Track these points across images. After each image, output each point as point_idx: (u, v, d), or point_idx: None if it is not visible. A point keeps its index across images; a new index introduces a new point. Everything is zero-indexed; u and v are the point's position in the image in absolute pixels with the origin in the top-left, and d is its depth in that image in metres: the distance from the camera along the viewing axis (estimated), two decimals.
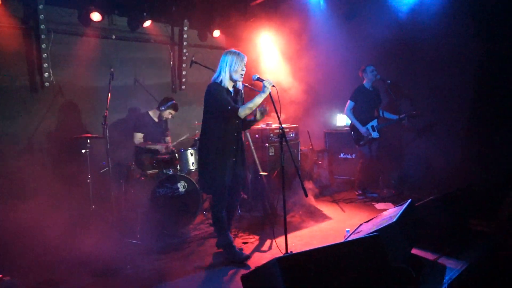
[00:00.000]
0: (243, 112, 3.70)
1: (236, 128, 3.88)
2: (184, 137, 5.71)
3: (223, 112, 3.71)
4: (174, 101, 5.49)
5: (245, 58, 3.82)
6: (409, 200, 3.58)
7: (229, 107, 3.68)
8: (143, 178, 5.06)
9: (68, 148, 5.12)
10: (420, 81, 6.49)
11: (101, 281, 3.58)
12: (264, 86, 3.61)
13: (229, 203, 4.01)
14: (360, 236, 2.90)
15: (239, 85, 3.92)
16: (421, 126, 6.44)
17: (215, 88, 3.73)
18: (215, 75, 3.82)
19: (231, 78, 3.78)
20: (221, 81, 3.77)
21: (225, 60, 3.77)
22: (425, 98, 6.40)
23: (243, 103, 3.91)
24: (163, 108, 5.43)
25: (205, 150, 3.85)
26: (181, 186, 4.97)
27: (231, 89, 3.85)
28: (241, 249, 4.06)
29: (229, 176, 3.83)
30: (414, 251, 3.42)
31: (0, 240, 3.94)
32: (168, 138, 5.68)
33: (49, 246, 4.21)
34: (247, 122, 4.03)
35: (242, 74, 3.79)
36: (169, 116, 5.53)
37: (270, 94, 3.64)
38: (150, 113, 5.53)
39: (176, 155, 5.12)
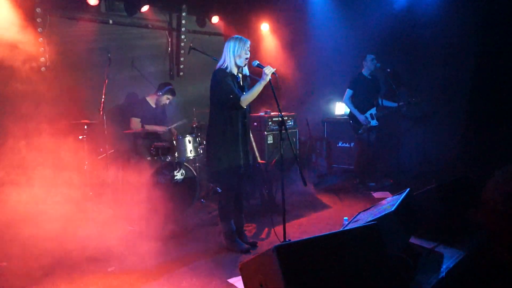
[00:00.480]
0: (245, 101, 3.68)
1: (243, 115, 3.83)
2: (180, 122, 5.66)
3: (226, 100, 3.67)
4: (171, 86, 5.47)
5: (248, 43, 3.78)
6: (408, 189, 3.57)
7: (231, 96, 3.65)
8: (140, 164, 5.04)
9: (65, 134, 5.07)
10: (419, 70, 6.47)
11: (98, 267, 3.58)
12: (264, 73, 3.58)
13: (237, 194, 3.99)
14: (358, 225, 2.89)
15: (245, 70, 3.87)
16: (420, 115, 6.42)
17: (220, 75, 3.70)
18: (220, 62, 3.79)
19: (236, 64, 3.75)
20: (226, 67, 3.73)
21: (228, 46, 3.74)
22: (424, 87, 6.39)
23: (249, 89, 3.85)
24: (160, 93, 5.40)
25: (212, 138, 3.83)
26: (179, 173, 4.95)
27: (238, 74, 3.82)
28: (246, 238, 4.05)
29: (238, 166, 3.80)
30: (412, 240, 3.43)
31: None
32: (165, 127, 5.64)
33: (45, 232, 4.19)
34: None
35: (246, 59, 3.76)
36: (167, 101, 5.50)
37: (270, 81, 3.60)
38: (148, 98, 5.50)
39: (174, 142, 5.09)
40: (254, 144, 5.50)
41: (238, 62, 3.74)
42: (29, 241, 4.02)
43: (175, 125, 5.58)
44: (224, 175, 3.78)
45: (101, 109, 4.66)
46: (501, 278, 2.95)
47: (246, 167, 3.90)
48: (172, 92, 5.46)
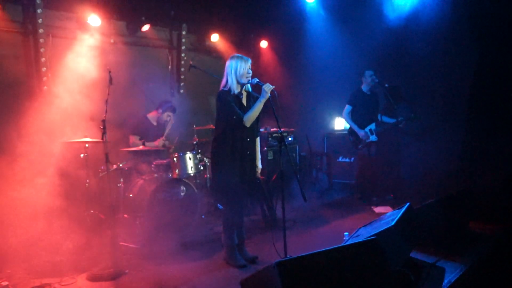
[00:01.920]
0: (248, 120, 3.73)
1: (249, 134, 3.86)
2: (178, 140, 5.70)
3: (230, 121, 3.73)
4: (172, 103, 5.53)
5: (249, 61, 3.83)
6: (407, 204, 3.58)
7: (234, 117, 3.70)
8: (141, 182, 5.05)
9: (66, 152, 5.10)
10: (417, 85, 6.52)
11: (99, 286, 3.57)
12: (264, 91, 3.63)
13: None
14: (358, 240, 2.90)
15: (248, 87, 3.91)
16: (419, 130, 6.45)
17: (223, 97, 3.74)
18: (223, 83, 3.83)
19: (238, 83, 3.79)
20: (229, 89, 3.77)
21: (230, 66, 3.77)
22: (423, 102, 6.42)
23: None
24: (161, 110, 5.46)
25: (217, 155, 3.86)
26: (180, 190, 4.96)
27: (242, 92, 3.86)
28: (246, 254, 4.04)
29: (242, 182, 3.81)
30: (413, 254, 3.42)
31: None
32: (167, 142, 5.68)
33: (46, 250, 4.19)
34: None
35: (249, 77, 3.80)
36: (168, 119, 5.55)
37: (269, 98, 3.65)
38: (148, 116, 5.55)
39: (175, 159, 5.11)
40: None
41: (241, 81, 3.79)
42: (26, 258, 4.03)
43: (167, 131, 5.60)
44: (229, 190, 3.80)
45: (102, 127, 4.69)
46: None
47: (251, 183, 3.92)
48: (172, 109, 5.52)
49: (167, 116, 5.52)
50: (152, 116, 5.56)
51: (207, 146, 5.80)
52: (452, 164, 6.03)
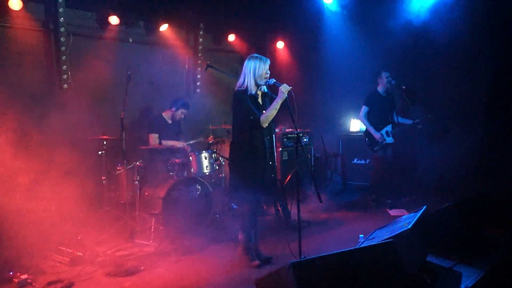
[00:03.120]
0: (265, 121, 3.73)
1: (266, 133, 3.86)
2: (197, 140, 5.75)
3: (247, 121, 3.74)
4: (184, 100, 5.57)
5: (268, 62, 3.83)
6: (424, 207, 3.54)
7: (251, 117, 3.71)
8: (157, 180, 5.11)
9: (85, 150, 5.20)
10: (434, 87, 6.45)
11: (115, 282, 3.62)
12: (281, 91, 3.63)
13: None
14: (374, 243, 2.88)
15: (264, 88, 3.91)
16: (436, 132, 6.38)
17: (240, 97, 3.75)
18: (240, 82, 3.83)
19: (256, 83, 3.79)
20: (246, 88, 3.78)
21: (248, 66, 3.77)
22: (440, 103, 6.35)
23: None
24: (174, 108, 5.52)
25: (236, 155, 3.87)
26: (195, 189, 5.00)
27: (258, 92, 3.87)
28: (261, 254, 4.05)
29: (261, 182, 3.81)
30: (429, 258, 3.39)
31: (16, 240, 4.00)
32: (183, 142, 5.73)
33: (64, 246, 4.27)
34: None
35: (267, 78, 3.79)
36: (182, 116, 5.60)
37: (286, 98, 3.65)
38: (163, 114, 5.61)
39: (191, 158, 5.16)
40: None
41: (259, 82, 3.79)
42: (44, 254, 4.11)
43: (192, 142, 5.67)
44: (249, 190, 3.80)
45: (120, 125, 4.77)
46: None
47: (270, 183, 3.93)
48: (186, 106, 5.56)
49: (181, 113, 5.58)
50: (166, 114, 5.62)
51: (222, 146, 5.83)
52: (469, 167, 5.95)
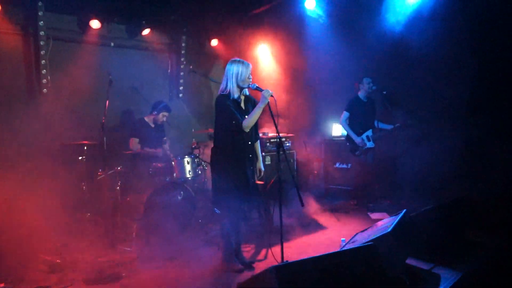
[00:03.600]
0: (247, 126, 3.73)
1: (249, 138, 3.87)
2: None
3: (230, 126, 3.74)
4: (165, 103, 5.56)
5: (250, 66, 3.83)
6: (404, 210, 3.60)
7: (234, 122, 3.71)
8: (139, 185, 5.06)
9: (65, 155, 5.12)
10: (415, 92, 6.56)
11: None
12: (263, 96, 3.65)
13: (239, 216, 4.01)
14: (355, 246, 2.92)
15: (246, 91, 3.91)
16: (416, 136, 6.49)
17: (222, 102, 3.75)
18: (222, 86, 3.82)
19: (239, 88, 3.80)
20: (229, 93, 3.78)
21: (230, 70, 3.77)
22: (420, 108, 6.46)
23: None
24: (155, 112, 5.49)
25: (217, 160, 3.86)
26: (178, 194, 4.97)
27: (241, 97, 3.87)
28: (243, 259, 4.05)
29: (242, 187, 3.81)
30: (409, 260, 3.44)
31: None
32: (166, 145, 5.70)
33: (43, 254, 4.19)
34: None
35: (249, 82, 3.79)
36: (164, 119, 5.58)
37: (268, 103, 3.67)
38: (146, 119, 5.57)
39: (173, 163, 5.13)
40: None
41: (241, 86, 3.79)
42: (23, 261, 4.02)
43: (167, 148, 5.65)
44: (230, 195, 3.79)
45: (101, 130, 4.72)
46: None
47: (251, 188, 3.93)
48: (167, 109, 5.54)
49: (163, 116, 5.55)
50: (149, 118, 5.59)
51: (205, 150, 5.81)
52: (450, 171, 6.06)
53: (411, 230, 3.42)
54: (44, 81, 5.32)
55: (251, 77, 3.82)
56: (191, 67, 5.47)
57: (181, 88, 6.97)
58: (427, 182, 6.38)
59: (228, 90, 3.78)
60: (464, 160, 5.98)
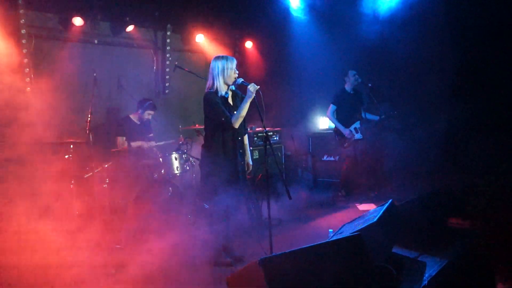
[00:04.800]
0: (236, 121, 3.75)
1: (238, 133, 3.89)
2: (168, 141, 5.72)
3: (219, 123, 3.76)
4: (151, 101, 5.54)
5: (235, 61, 3.84)
6: (390, 200, 3.65)
7: (223, 118, 3.72)
8: (127, 182, 5.04)
9: (51, 154, 5.07)
10: (399, 84, 6.65)
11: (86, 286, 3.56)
12: (249, 91, 3.66)
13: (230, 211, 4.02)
14: (342, 236, 2.96)
15: (233, 87, 3.92)
16: (401, 127, 6.58)
17: (210, 99, 3.75)
18: (209, 84, 3.83)
19: (225, 83, 3.81)
20: (216, 90, 3.78)
21: (216, 67, 3.77)
22: (405, 100, 6.55)
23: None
24: (141, 110, 5.47)
25: (207, 157, 3.87)
26: (166, 190, 4.97)
27: (227, 93, 3.88)
28: (233, 253, 4.07)
29: (231, 182, 3.81)
30: (396, 250, 3.50)
31: None
32: (153, 142, 5.68)
33: (32, 251, 4.16)
34: None
35: (235, 77, 3.82)
36: (149, 117, 5.57)
37: (254, 98, 3.69)
38: (131, 116, 5.55)
39: (161, 159, 5.12)
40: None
41: (228, 82, 3.81)
42: (13, 260, 3.99)
43: (162, 142, 5.62)
44: (220, 190, 3.80)
45: (87, 128, 4.69)
46: (480, 285, 3.03)
47: (242, 182, 3.95)
48: (152, 107, 5.52)
49: (148, 114, 5.53)
50: (134, 116, 5.56)
51: (192, 146, 5.81)
52: (435, 161, 6.16)
53: (396, 220, 3.47)
54: (27, 79, 5.25)
55: (237, 71, 3.84)
56: (176, 62, 5.44)
57: (167, 84, 6.94)
58: (413, 173, 6.48)
59: (215, 87, 3.79)
60: (448, 150, 6.09)
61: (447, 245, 3.60)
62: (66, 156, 4.91)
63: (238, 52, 7.70)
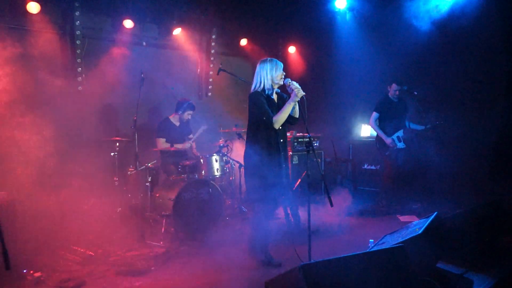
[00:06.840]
0: (277, 122, 3.77)
1: (280, 135, 3.90)
2: (200, 130, 5.76)
3: (261, 121, 3.78)
4: (190, 101, 5.61)
5: (282, 65, 3.91)
6: (435, 213, 3.52)
7: (265, 117, 3.74)
8: (168, 182, 5.16)
9: (98, 151, 5.27)
10: (447, 93, 6.40)
11: (126, 281, 3.66)
12: (294, 94, 3.68)
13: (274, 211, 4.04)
14: (384, 247, 2.88)
15: (278, 90, 3.96)
16: (448, 137, 6.33)
17: (256, 97, 3.79)
18: (255, 84, 3.87)
19: (272, 85, 3.86)
20: (263, 90, 3.83)
21: (264, 69, 3.84)
22: (452, 109, 6.30)
23: None
24: (180, 111, 5.55)
25: (250, 158, 3.89)
26: (205, 191, 5.03)
27: (274, 95, 3.92)
28: (270, 258, 4.06)
29: (275, 183, 3.81)
30: (440, 265, 3.36)
31: (30, 237, 4.06)
32: (193, 144, 5.77)
33: (76, 246, 4.33)
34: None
35: (282, 79, 3.86)
36: (189, 117, 5.64)
37: (298, 102, 3.69)
38: (171, 118, 5.64)
39: (202, 161, 5.20)
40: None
41: (274, 82, 3.85)
42: (57, 252, 4.17)
43: (196, 135, 5.70)
44: (262, 191, 3.81)
45: (133, 127, 4.83)
46: None
47: (285, 185, 3.94)
48: (191, 107, 5.59)
49: (188, 114, 5.61)
50: (174, 118, 5.65)
51: (233, 149, 5.86)
52: (483, 174, 5.88)
53: (442, 233, 3.33)
54: (80, 79, 5.49)
55: (284, 74, 3.87)
56: (220, 65, 5.51)
57: (210, 87, 7.06)
58: (458, 185, 6.21)
59: (262, 87, 3.84)
60: (498, 162, 5.80)
61: (497, 264, 3.42)
62: (112, 154, 5.08)
63: (281, 56, 7.70)
